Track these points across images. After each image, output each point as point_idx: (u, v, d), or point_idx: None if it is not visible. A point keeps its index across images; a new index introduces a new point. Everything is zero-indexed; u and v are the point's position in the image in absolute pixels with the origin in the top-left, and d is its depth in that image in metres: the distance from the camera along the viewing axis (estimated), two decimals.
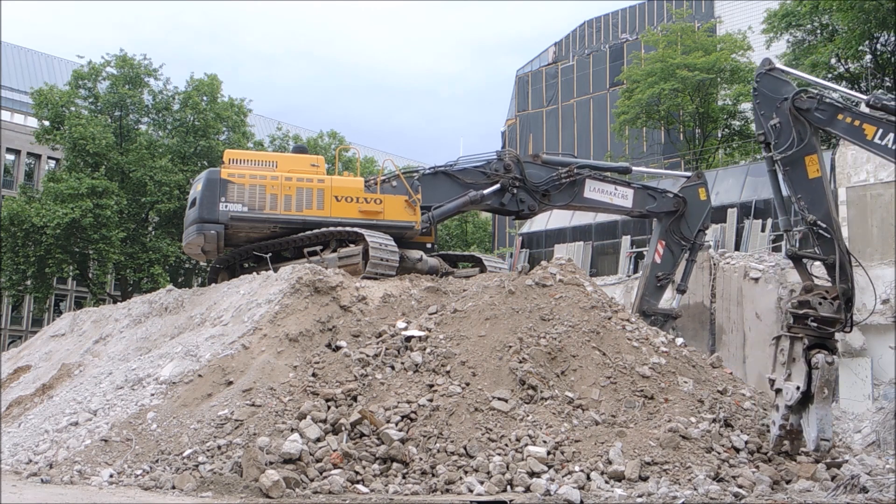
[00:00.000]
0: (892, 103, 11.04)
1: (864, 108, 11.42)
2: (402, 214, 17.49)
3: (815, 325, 10.87)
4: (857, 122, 11.18)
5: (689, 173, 19.34)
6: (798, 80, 12.54)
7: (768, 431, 11.26)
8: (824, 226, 11.32)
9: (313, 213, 17.17)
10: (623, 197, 17.53)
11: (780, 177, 11.77)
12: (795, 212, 11.74)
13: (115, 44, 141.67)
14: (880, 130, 10.91)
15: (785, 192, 11.88)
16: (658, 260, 16.83)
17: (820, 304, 10.99)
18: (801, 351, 10.83)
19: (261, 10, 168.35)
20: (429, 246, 18.62)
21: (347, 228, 16.88)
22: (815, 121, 11.53)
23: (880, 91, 13.49)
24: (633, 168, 19.59)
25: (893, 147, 10.81)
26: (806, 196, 11.50)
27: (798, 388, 10.61)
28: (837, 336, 11.40)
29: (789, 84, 12.01)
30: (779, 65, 12.29)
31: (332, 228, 16.97)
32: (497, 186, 17.54)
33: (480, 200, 17.67)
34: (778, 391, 10.99)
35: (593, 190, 17.46)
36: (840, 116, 11.35)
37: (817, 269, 11.82)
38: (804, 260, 11.58)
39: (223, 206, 16.83)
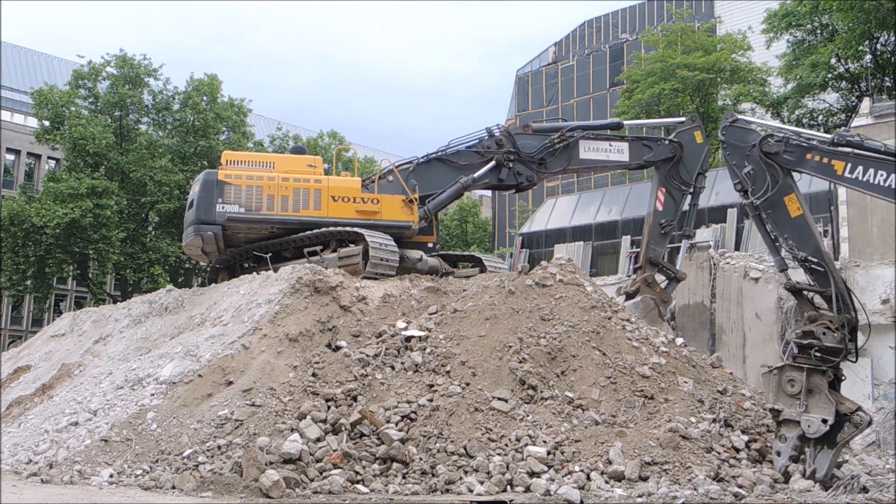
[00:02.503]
0: (856, 139, 11.37)
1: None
2: (400, 214, 17.48)
3: (818, 355, 10.98)
4: (825, 160, 11.53)
5: (682, 118, 18.90)
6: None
7: (776, 455, 11.15)
8: (815, 260, 11.54)
9: (310, 213, 17.20)
10: (619, 151, 17.31)
11: (764, 220, 12.00)
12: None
13: (125, 45, 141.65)
14: (849, 165, 11.25)
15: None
16: (660, 207, 16.53)
17: (824, 334, 11.10)
18: (823, 383, 10.92)
19: (271, 11, 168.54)
20: (430, 245, 18.56)
21: (347, 228, 16.89)
22: (785, 163, 11.86)
23: (842, 129, 13.86)
24: (625, 122, 19.32)
25: (864, 179, 11.14)
26: (792, 235, 11.77)
27: (825, 421, 10.69)
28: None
29: (754, 132, 12.37)
30: (741, 115, 12.79)
31: (331, 228, 16.99)
32: (492, 164, 17.38)
33: (473, 183, 17.57)
34: (785, 422, 11.01)
35: (588, 149, 17.27)
36: (808, 156, 11.69)
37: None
38: (804, 291, 11.72)
39: (220, 208, 16.91)
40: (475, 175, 17.43)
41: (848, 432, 10.83)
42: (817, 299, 11.77)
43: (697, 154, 16.78)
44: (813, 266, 11.54)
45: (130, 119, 40.79)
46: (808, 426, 10.75)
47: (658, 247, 16.45)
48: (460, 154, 17.78)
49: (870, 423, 11.23)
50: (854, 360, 11.49)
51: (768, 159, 11.92)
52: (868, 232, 22.27)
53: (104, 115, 39.80)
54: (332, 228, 16.98)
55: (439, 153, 17.93)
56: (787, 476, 10.83)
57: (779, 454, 11.06)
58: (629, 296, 16.43)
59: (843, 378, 11.34)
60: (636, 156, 17.22)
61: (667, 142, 17.00)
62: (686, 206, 16.93)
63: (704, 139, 16.99)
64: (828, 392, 10.91)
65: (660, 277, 16.65)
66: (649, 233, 16.50)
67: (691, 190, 16.81)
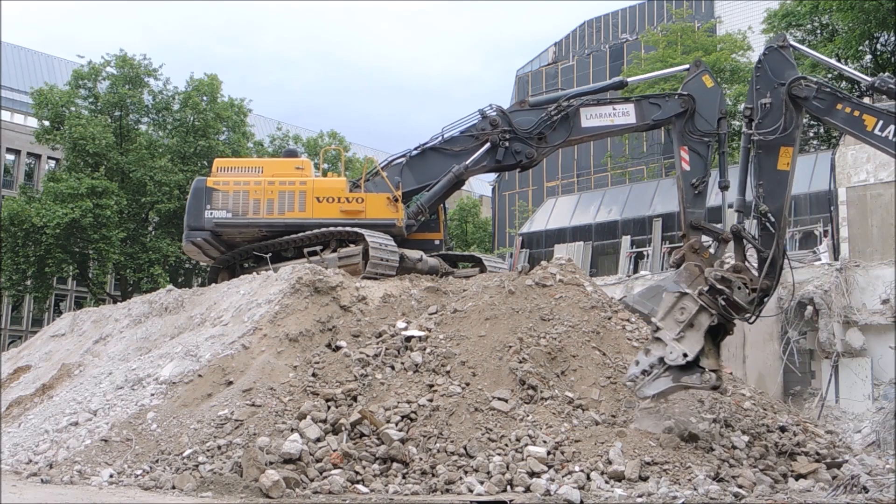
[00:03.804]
0: None
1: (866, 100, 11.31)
2: (384, 212, 17.33)
3: (723, 304, 11.00)
4: (856, 113, 10.88)
5: (686, 66, 18.13)
6: (808, 60, 12.28)
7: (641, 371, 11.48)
8: (773, 220, 11.27)
9: (295, 215, 17.42)
10: (624, 114, 16.25)
11: (751, 158, 11.57)
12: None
13: (128, 45, 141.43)
14: (881, 122, 10.62)
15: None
16: (686, 167, 15.37)
17: (739, 288, 11.08)
18: (705, 324, 11.04)
19: (277, 11, 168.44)
20: (437, 242, 18.41)
21: (340, 228, 16.95)
22: (813, 110, 11.22)
23: (886, 74, 12.94)
24: (629, 79, 18.51)
25: (894, 139, 10.49)
26: (767, 185, 11.39)
27: (686, 355, 10.89)
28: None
29: (793, 68, 11.63)
30: (793, 42, 11.85)
31: (331, 229, 17.01)
32: (487, 146, 16.83)
33: (467, 170, 17.11)
34: (658, 339, 11.27)
35: (591, 117, 16.41)
36: (839, 106, 11.03)
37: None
38: (744, 241, 11.57)
39: (208, 214, 17.47)
40: (468, 162, 16.94)
41: (691, 381, 11.02)
42: (752, 254, 11.66)
43: (712, 100, 15.35)
44: (767, 224, 11.29)
45: (130, 119, 40.80)
46: (671, 352, 10.97)
47: (695, 209, 15.44)
48: (455, 140, 17.29)
49: (714, 388, 11.32)
50: (752, 321, 11.58)
51: (794, 102, 11.24)
52: (868, 232, 22.26)
53: (104, 115, 39.79)
54: (329, 229, 17.01)
55: (433, 142, 17.52)
56: (630, 383, 11.25)
57: (636, 363, 11.38)
58: (676, 265, 15.97)
59: (730, 333, 11.45)
60: (643, 116, 16.10)
61: (675, 96, 16.16)
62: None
63: (715, 81, 16.14)
64: (705, 336, 10.99)
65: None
66: (683, 197, 15.78)
67: (716, 139, 16.16)
